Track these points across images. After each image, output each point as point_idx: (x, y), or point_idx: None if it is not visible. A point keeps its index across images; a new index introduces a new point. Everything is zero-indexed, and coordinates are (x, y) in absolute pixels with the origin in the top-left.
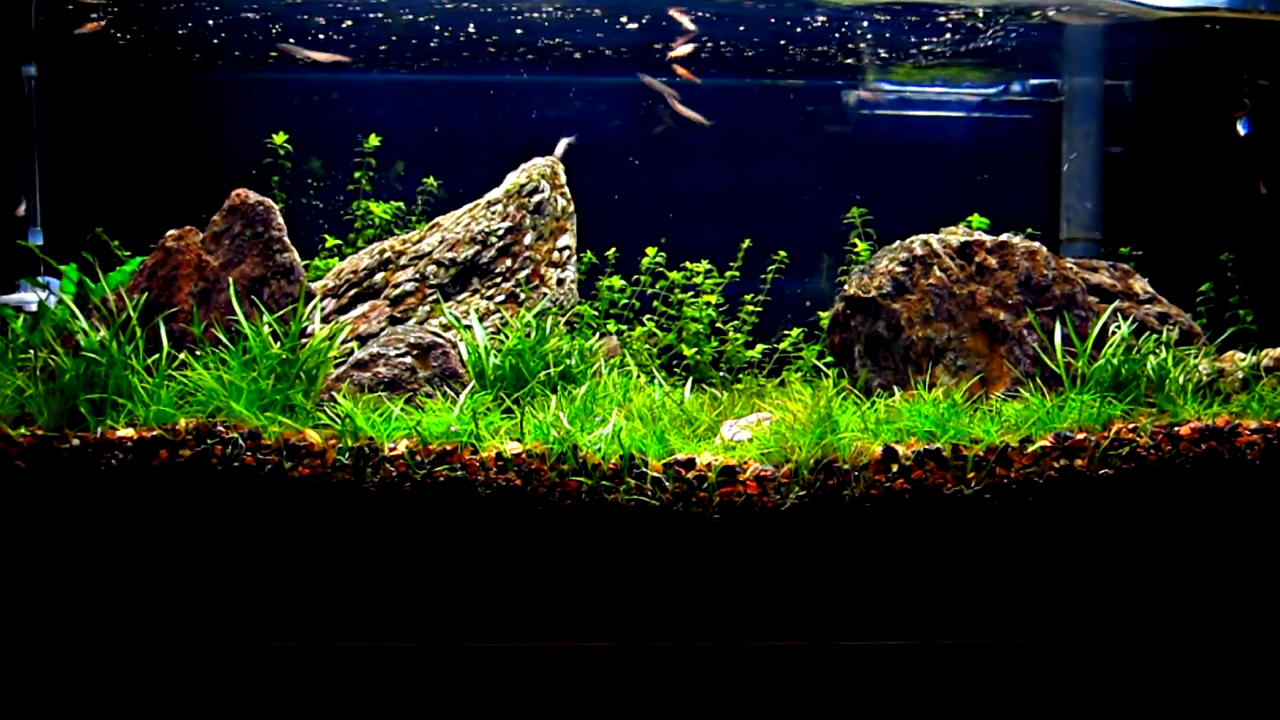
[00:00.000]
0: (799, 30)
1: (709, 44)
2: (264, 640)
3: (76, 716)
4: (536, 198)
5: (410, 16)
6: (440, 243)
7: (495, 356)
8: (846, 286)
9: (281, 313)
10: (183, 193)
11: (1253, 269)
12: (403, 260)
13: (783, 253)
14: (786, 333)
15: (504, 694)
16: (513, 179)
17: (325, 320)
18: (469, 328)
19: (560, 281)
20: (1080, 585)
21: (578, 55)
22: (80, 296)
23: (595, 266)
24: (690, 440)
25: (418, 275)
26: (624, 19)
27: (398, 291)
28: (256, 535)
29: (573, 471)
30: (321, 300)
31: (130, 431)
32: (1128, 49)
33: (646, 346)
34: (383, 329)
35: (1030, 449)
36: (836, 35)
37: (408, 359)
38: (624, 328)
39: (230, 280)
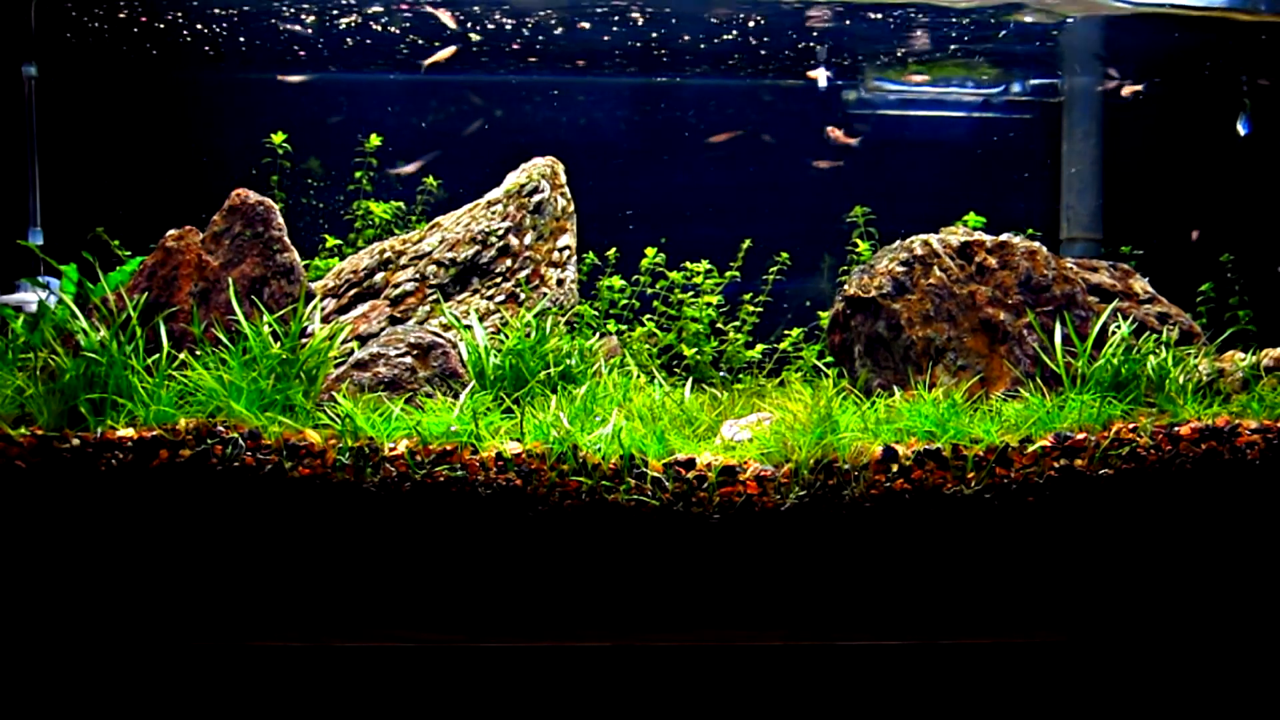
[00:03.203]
0: (799, 30)
1: (709, 44)
2: (264, 640)
3: (77, 716)
4: (536, 198)
5: (410, 16)
6: (440, 243)
7: (495, 356)
8: (846, 286)
9: (281, 313)
10: (183, 193)
11: (1253, 269)
12: (403, 260)
13: (784, 253)
14: (786, 333)
15: (504, 694)
16: (513, 179)
17: (325, 320)
18: (469, 328)
19: (560, 281)
20: (1080, 585)
21: (578, 55)
22: (80, 296)
23: (595, 266)
24: (690, 440)
25: (418, 275)
26: (625, 19)
27: (398, 291)
28: (256, 535)
29: (573, 471)
30: (321, 300)
31: (130, 431)
32: (1128, 49)
33: (646, 346)
34: (383, 329)
35: (1030, 449)
36: (837, 35)
37: (408, 359)
38: (624, 328)
39: (230, 280)
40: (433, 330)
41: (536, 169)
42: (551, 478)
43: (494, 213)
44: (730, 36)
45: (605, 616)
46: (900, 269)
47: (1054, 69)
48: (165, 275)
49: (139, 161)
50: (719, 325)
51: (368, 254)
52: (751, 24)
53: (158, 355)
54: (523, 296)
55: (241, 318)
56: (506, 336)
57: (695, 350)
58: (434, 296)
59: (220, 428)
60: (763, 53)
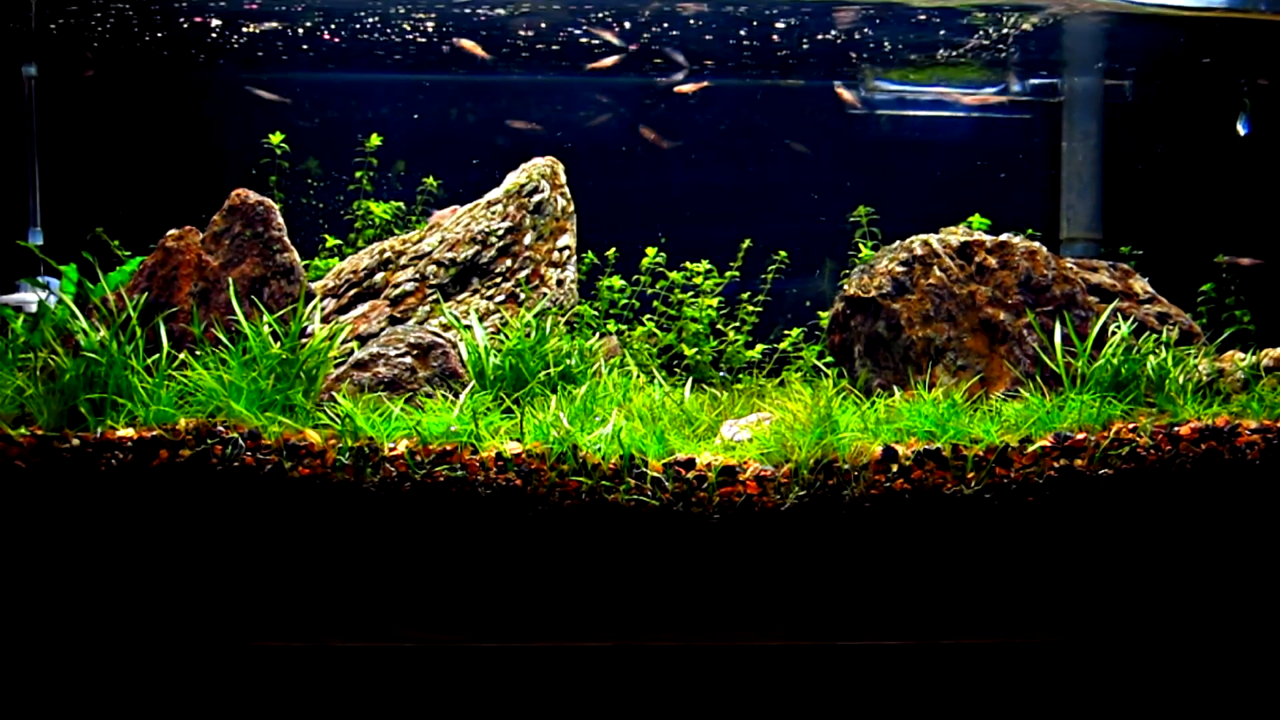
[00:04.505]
0: (800, 30)
1: (710, 43)
2: (265, 640)
3: (77, 716)
4: (536, 198)
5: (410, 16)
6: (440, 243)
7: (495, 356)
8: (846, 286)
9: (281, 313)
10: (183, 193)
11: (1253, 269)
12: (403, 260)
13: (783, 253)
14: (786, 333)
15: (504, 694)
16: (513, 179)
17: (325, 320)
18: (469, 328)
19: (560, 281)
20: (1080, 586)
21: (578, 55)
22: (80, 296)
23: (595, 266)
24: (690, 440)
25: (418, 275)
26: (625, 21)
27: (398, 291)
28: (256, 535)
29: (573, 471)
30: (321, 300)
31: (130, 431)
32: (1128, 49)
33: (646, 346)
34: (383, 329)
35: (1030, 449)
36: (837, 35)
37: (408, 359)
38: (624, 328)
39: (230, 280)
40: (433, 330)
41: (536, 169)
42: (551, 478)
43: (494, 213)
44: (731, 36)
45: (605, 616)
46: (900, 269)
47: (1054, 69)
48: (165, 275)
49: (139, 161)
50: (719, 325)
51: (368, 254)
52: (752, 24)
53: (158, 355)
54: (523, 296)
55: (241, 318)
56: (506, 336)
57: (695, 350)
58: (434, 296)
59: (220, 428)
60: (763, 53)
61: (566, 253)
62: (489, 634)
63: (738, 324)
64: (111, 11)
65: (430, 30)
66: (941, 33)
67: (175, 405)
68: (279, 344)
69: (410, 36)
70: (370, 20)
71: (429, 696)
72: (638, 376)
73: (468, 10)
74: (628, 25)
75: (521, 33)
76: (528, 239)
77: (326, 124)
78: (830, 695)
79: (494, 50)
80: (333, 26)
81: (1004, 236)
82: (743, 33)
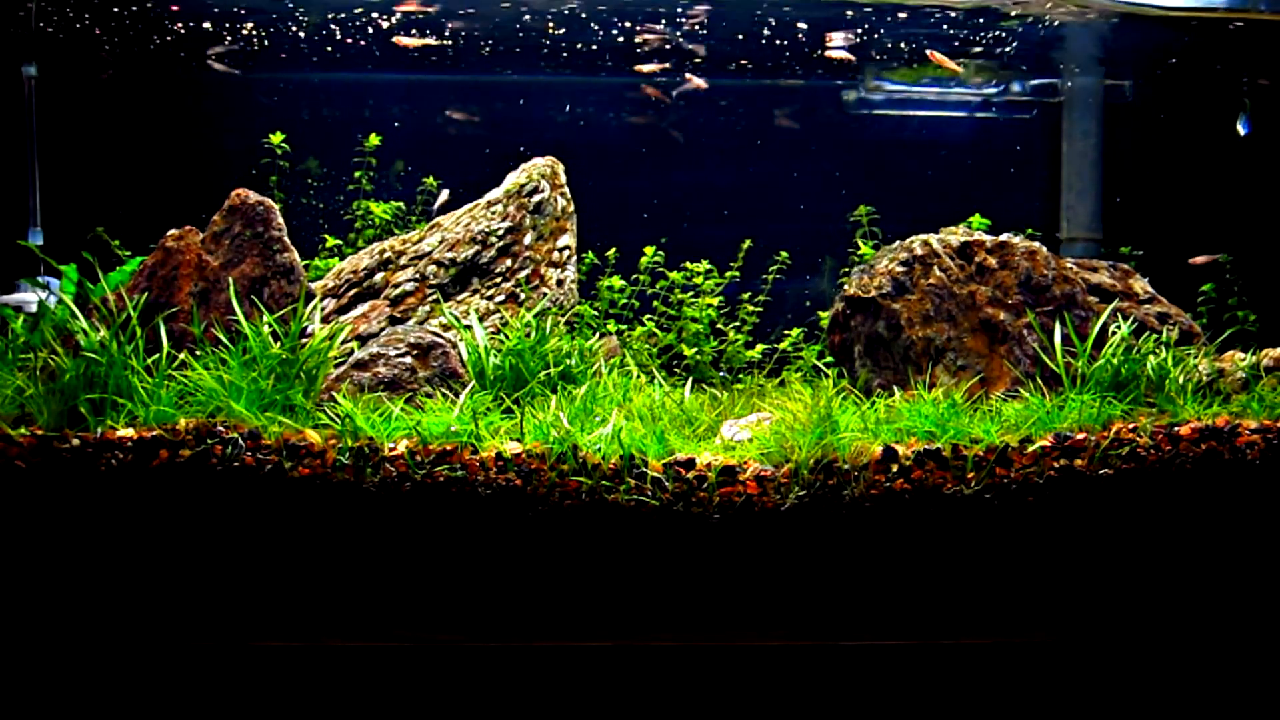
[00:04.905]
0: (800, 30)
1: (710, 43)
2: (265, 640)
3: (77, 716)
4: (536, 198)
5: (411, 16)
6: (440, 243)
7: (495, 356)
8: (846, 286)
9: (281, 313)
10: (183, 193)
11: (1253, 269)
12: (403, 260)
13: (783, 253)
14: (786, 333)
15: (504, 694)
16: (513, 179)
17: (325, 320)
18: (469, 328)
19: (560, 281)
20: (1080, 586)
21: (578, 55)
22: (80, 296)
23: (595, 266)
24: (690, 440)
25: (418, 275)
26: (626, 21)
27: (398, 291)
28: (257, 535)
29: (573, 471)
30: (321, 300)
31: (130, 431)
32: (1128, 49)
33: (646, 346)
34: (383, 329)
35: (1030, 449)
36: (837, 35)
37: (408, 359)
38: (624, 328)
39: (230, 280)
40: (433, 330)
41: (536, 169)
42: (551, 478)
43: (494, 213)
44: (731, 36)
45: (605, 616)
46: (900, 269)
47: (1054, 69)
48: (165, 275)
49: (139, 161)
50: (719, 325)
51: (368, 254)
52: (752, 24)
53: (158, 355)
54: (523, 296)
55: (241, 318)
56: (506, 336)
57: (695, 350)
58: (434, 296)
59: (220, 428)
60: (763, 52)
61: (566, 253)
62: (489, 634)
63: (738, 324)
64: (111, 11)
65: (429, 29)
66: (942, 32)
67: (175, 405)
68: (279, 344)
69: (410, 36)
70: (369, 20)
71: (429, 696)
72: (638, 376)
73: (469, 9)
74: (629, 25)
75: (528, 33)
76: (528, 239)
77: (327, 124)
78: (830, 695)
79: (495, 50)
80: (334, 26)
81: (1004, 236)
82: (743, 33)
